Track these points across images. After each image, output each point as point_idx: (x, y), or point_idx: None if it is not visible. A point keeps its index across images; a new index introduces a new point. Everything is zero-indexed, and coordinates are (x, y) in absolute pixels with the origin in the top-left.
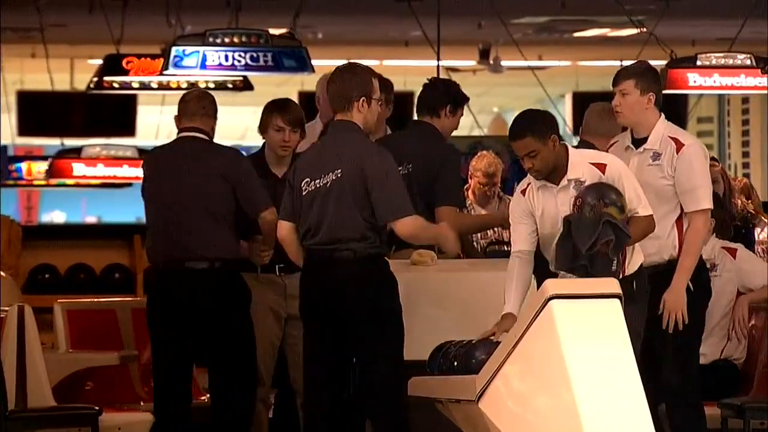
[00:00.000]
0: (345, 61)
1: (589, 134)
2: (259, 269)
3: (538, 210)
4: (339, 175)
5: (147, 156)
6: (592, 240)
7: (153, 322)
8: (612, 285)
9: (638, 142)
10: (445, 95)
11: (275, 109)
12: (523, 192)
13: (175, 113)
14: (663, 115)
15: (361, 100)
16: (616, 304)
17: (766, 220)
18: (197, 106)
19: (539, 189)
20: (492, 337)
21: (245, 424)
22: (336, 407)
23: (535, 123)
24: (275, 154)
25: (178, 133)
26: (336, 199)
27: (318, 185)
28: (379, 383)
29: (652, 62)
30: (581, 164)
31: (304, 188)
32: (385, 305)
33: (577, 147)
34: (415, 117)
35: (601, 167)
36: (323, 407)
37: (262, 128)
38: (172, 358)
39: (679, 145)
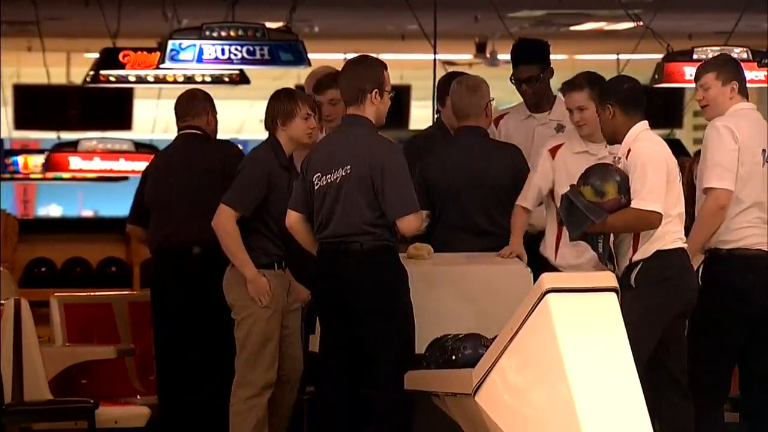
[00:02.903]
0: (342, 55)
1: (461, 116)
2: (276, 265)
3: None
4: (348, 171)
5: (150, 162)
6: (562, 212)
7: (155, 310)
8: (608, 279)
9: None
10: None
11: (298, 96)
12: None
13: (168, 107)
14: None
15: (374, 92)
16: (613, 297)
17: None
18: (186, 107)
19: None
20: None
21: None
22: (349, 401)
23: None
24: (297, 143)
25: (178, 132)
26: (345, 195)
27: (329, 180)
28: (386, 376)
29: (649, 56)
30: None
31: (315, 183)
32: (394, 298)
33: (458, 135)
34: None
35: (628, 152)
36: (336, 400)
37: (286, 118)
38: (170, 345)
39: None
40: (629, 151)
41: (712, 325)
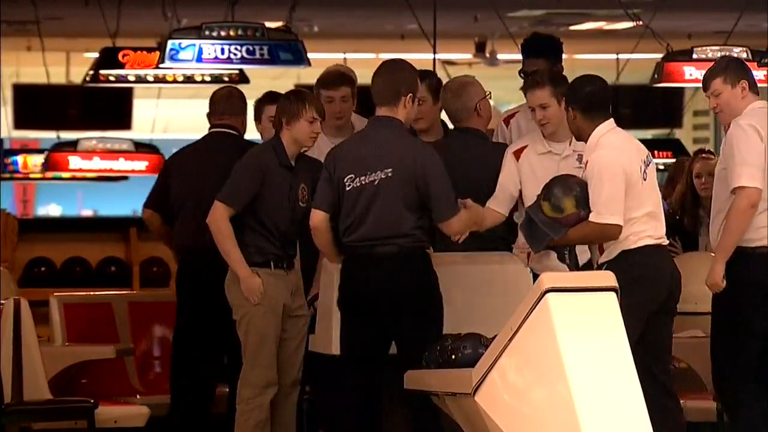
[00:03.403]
0: (341, 55)
1: (453, 120)
2: (273, 264)
3: None
4: (390, 174)
5: (176, 153)
6: (523, 228)
7: (179, 308)
8: (608, 278)
9: None
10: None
11: (307, 99)
12: None
13: (168, 107)
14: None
15: (408, 96)
16: (612, 297)
17: None
18: (225, 105)
19: None
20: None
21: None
22: (367, 402)
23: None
24: (301, 145)
25: (209, 129)
26: (385, 197)
27: (364, 182)
28: None
29: (648, 55)
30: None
31: (347, 184)
32: (432, 300)
33: (451, 137)
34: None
35: (587, 162)
36: (355, 402)
37: (290, 118)
38: (196, 342)
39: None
40: (587, 162)
41: (736, 324)
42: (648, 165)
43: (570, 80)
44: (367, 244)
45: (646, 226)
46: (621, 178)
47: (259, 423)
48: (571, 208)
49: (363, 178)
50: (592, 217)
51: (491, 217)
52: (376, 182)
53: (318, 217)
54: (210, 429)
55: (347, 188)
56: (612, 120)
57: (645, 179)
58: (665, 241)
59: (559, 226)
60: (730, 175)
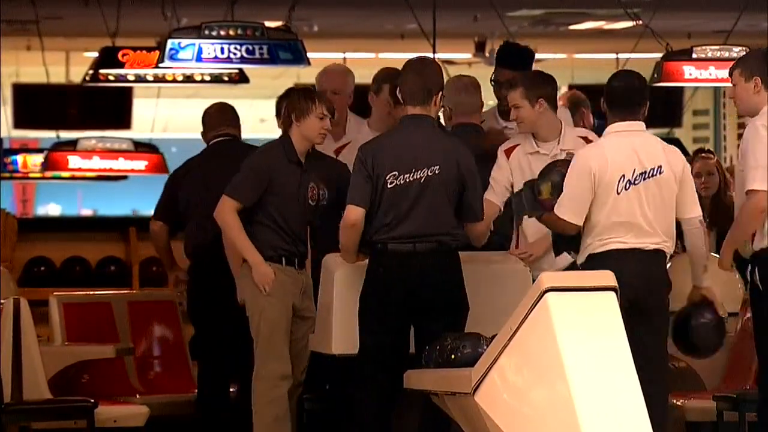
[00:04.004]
0: (341, 54)
1: (463, 114)
2: (285, 261)
3: None
4: (437, 172)
5: (182, 165)
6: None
7: (192, 311)
8: (607, 278)
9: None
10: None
11: (317, 96)
12: None
13: (167, 106)
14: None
15: (439, 94)
16: (612, 296)
17: None
18: (221, 117)
19: None
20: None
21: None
22: (390, 402)
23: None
24: (310, 142)
25: (208, 143)
26: (432, 195)
27: (408, 180)
28: None
29: (648, 55)
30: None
31: (390, 182)
32: (462, 298)
33: (454, 130)
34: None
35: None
36: (382, 402)
37: (300, 114)
38: (215, 342)
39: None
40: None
41: None
42: (649, 178)
43: (569, 80)
44: (409, 241)
45: (615, 233)
46: (586, 179)
47: (278, 417)
48: (546, 193)
49: (408, 175)
50: (554, 209)
51: (490, 208)
52: (423, 180)
53: (357, 214)
54: (227, 428)
55: (389, 185)
56: (633, 123)
57: (626, 189)
58: (649, 247)
59: (537, 206)
60: (744, 177)
